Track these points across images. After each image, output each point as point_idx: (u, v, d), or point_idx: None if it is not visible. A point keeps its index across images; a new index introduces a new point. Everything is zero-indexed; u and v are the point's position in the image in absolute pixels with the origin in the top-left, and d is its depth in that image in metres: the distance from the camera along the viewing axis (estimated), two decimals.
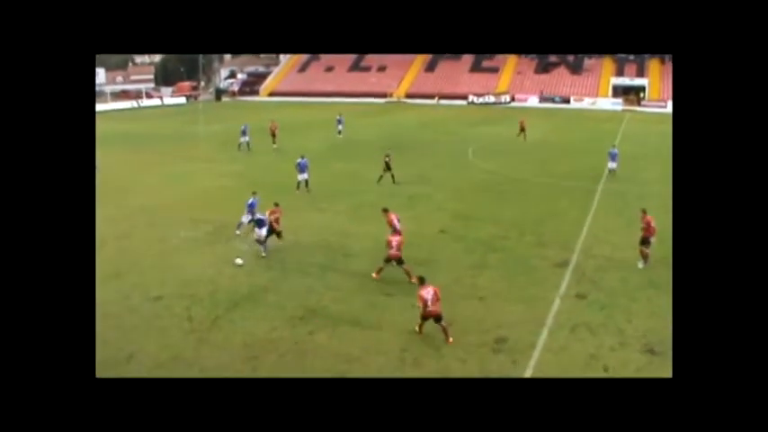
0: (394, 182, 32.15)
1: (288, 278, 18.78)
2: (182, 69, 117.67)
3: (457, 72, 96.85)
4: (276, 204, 21.59)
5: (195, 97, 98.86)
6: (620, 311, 16.01)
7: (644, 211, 19.72)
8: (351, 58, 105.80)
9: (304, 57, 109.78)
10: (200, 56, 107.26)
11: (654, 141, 47.17)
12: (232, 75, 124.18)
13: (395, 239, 18.48)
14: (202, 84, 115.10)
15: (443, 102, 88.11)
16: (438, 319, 14.59)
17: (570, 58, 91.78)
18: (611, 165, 34.52)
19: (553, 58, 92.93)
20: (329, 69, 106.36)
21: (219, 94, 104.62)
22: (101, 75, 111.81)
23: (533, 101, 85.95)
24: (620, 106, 79.56)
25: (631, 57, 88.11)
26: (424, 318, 14.67)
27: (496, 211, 26.80)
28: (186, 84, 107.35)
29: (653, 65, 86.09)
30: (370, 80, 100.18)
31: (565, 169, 36.22)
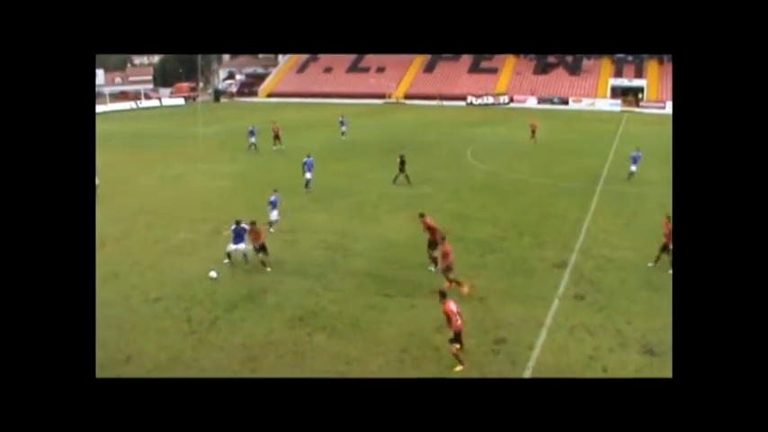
0: (408, 182, 32.18)
1: (287, 279, 18.77)
2: (180, 70, 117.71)
3: (456, 73, 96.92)
4: (253, 223, 19.64)
5: (194, 98, 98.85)
6: (619, 312, 16.01)
7: (668, 218, 18.57)
8: (349, 58, 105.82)
9: (302, 57, 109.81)
10: (199, 57, 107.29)
11: (652, 142, 47.16)
12: (231, 76, 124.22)
13: (449, 247, 17.51)
14: (201, 85, 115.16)
15: (446, 103, 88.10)
16: (459, 339, 13.34)
17: (569, 58, 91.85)
18: (633, 168, 33.20)
19: (552, 59, 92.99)
20: (328, 70, 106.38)
21: (218, 95, 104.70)
22: (99, 76, 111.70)
23: (532, 102, 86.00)
24: (619, 107, 79.65)
25: (630, 57, 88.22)
26: (460, 333, 13.21)
27: (495, 211, 26.82)
28: (185, 85, 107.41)
29: (651, 66, 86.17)
30: (369, 81, 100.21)
31: (564, 170, 36.24)
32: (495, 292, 17.58)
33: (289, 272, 19.42)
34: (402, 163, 32.62)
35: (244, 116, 71.61)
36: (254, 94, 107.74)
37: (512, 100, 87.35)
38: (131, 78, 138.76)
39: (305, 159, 31.17)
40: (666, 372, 12.54)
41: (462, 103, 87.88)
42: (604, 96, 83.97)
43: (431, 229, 19.26)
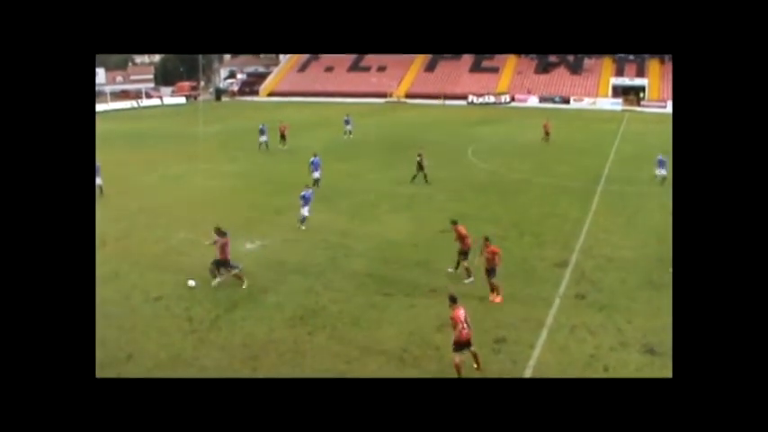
0: (426, 181, 32.16)
1: (287, 278, 18.77)
2: (181, 69, 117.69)
3: (457, 72, 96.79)
4: (218, 231, 18.17)
5: (195, 97, 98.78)
6: (620, 311, 16.01)
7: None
8: (350, 57, 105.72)
9: (304, 57, 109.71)
10: (200, 56, 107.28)
11: (653, 141, 47.14)
12: (232, 75, 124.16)
13: (496, 249, 16.86)
14: (202, 84, 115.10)
15: (449, 102, 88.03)
16: (469, 343, 12.98)
17: (570, 58, 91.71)
18: (661, 172, 31.22)
19: (553, 58, 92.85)
20: (329, 69, 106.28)
21: (219, 94, 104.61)
22: (101, 75, 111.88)
23: (533, 101, 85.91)
24: (620, 106, 79.52)
25: (631, 57, 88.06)
26: (461, 344, 12.81)
27: (496, 210, 26.81)
28: (186, 84, 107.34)
29: (653, 65, 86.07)
30: (370, 80, 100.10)
31: (564, 169, 36.21)
32: None
33: (289, 271, 19.42)
34: (420, 162, 32.56)
35: (245, 115, 71.64)
36: (256, 93, 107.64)
37: (513, 99, 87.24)
38: (132, 77, 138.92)
39: (312, 159, 31.17)
40: (667, 371, 12.53)
41: (463, 103, 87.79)
42: (606, 95, 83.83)
43: (462, 238, 18.54)
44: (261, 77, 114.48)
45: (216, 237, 18.03)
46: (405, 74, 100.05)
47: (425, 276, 18.76)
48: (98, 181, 28.70)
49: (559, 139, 46.42)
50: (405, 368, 13.44)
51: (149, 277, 19.05)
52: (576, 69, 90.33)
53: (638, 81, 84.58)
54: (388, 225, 24.54)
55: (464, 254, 18.52)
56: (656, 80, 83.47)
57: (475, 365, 13.18)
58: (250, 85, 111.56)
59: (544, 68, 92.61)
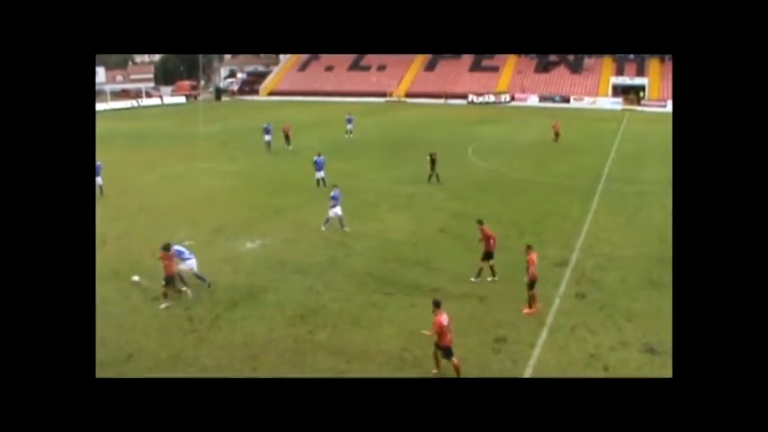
0: (438, 181, 32.14)
1: (287, 277, 18.78)
2: (181, 68, 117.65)
3: (457, 71, 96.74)
4: (164, 247, 17.38)
5: (195, 96, 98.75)
6: (620, 311, 16.01)
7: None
8: (350, 57, 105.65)
9: (304, 56, 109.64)
10: (200, 55, 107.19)
11: (653, 141, 47.15)
12: (232, 74, 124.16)
13: (535, 258, 16.24)
14: (202, 83, 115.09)
15: (451, 101, 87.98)
16: (450, 352, 12.93)
17: (570, 57, 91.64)
18: None
19: (553, 58, 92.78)
20: (329, 69, 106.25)
21: (219, 93, 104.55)
22: (101, 74, 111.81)
23: (533, 100, 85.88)
24: (620, 106, 79.47)
25: (631, 56, 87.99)
26: (444, 349, 12.89)
27: (496, 210, 26.78)
28: (186, 83, 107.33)
29: (653, 64, 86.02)
30: (370, 79, 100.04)
31: (565, 168, 36.20)
32: (495, 290, 17.56)
33: (289, 270, 19.42)
34: (433, 162, 32.51)
35: (245, 115, 71.64)
36: (256, 92, 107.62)
37: (513, 99, 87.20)
38: (132, 76, 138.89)
39: (315, 158, 31.14)
40: (667, 370, 12.53)
41: (463, 102, 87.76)
42: (606, 95, 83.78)
43: (487, 238, 18.35)
44: (261, 77, 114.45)
45: (161, 252, 17.15)
46: (405, 73, 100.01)
47: (425, 276, 18.76)
48: (98, 181, 28.70)
49: (561, 139, 46.35)
50: (405, 367, 13.45)
51: (149, 276, 19.01)
52: (576, 69, 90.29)
53: (638, 80, 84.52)
54: (388, 224, 24.54)
55: (489, 255, 18.33)
56: (657, 79, 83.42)
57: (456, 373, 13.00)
58: (250, 85, 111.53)
59: (544, 68, 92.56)
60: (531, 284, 16.02)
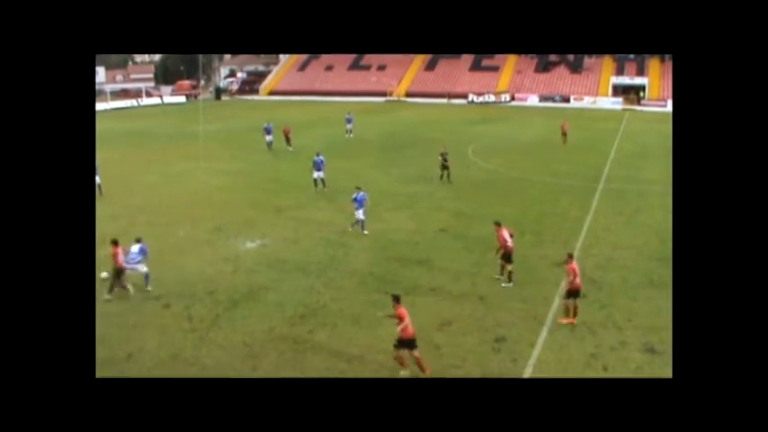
0: (449, 180, 32.15)
1: (288, 277, 18.78)
2: (182, 68, 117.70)
3: (457, 71, 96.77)
4: (114, 242, 17.52)
5: (195, 96, 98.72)
6: (620, 310, 16.01)
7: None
8: (350, 56, 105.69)
9: (304, 56, 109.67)
10: (200, 55, 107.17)
11: (654, 140, 47.17)
12: (232, 74, 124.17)
13: (576, 267, 15.45)
14: (202, 82, 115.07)
15: (455, 101, 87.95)
16: (414, 343, 13.01)
17: (570, 57, 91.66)
18: None
19: (553, 57, 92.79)
20: (329, 68, 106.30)
21: (219, 92, 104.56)
22: (101, 73, 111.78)
23: (533, 100, 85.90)
24: (620, 105, 79.47)
25: (631, 56, 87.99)
26: (404, 342, 12.95)
27: (496, 209, 26.72)
28: (186, 82, 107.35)
29: (653, 64, 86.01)
30: (370, 79, 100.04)
31: (565, 168, 36.19)
32: (495, 290, 17.57)
33: (290, 270, 19.42)
34: (444, 161, 32.45)
35: (245, 114, 71.62)
36: (256, 92, 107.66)
37: (513, 98, 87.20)
38: (132, 76, 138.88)
39: (315, 158, 31.07)
40: (667, 370, 12.53)
41: (464, 102, 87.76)
42: (606, 95, 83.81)
43: (503, 242, 18.10)
44: (261, 76, 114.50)
45: (111, 247, 17.38)
46: (405, 73, 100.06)
47: (426, 275, 18.76)
48: (96, 179, 28.66)
49: (559, 139, 46.33)
50: (405, 367, 13.43)
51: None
52: (576, 68, 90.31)
53: (638, 80, 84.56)
54: (388, 223, 24.54)
55: (505, 257, 18.05)
56: (657, 79, 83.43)
57: (420, 369, 12.98)
58: (250, 84, 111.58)
59: (544, 67, 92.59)
60: (571, 294, 15.29)
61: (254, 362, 13.77)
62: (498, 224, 18.62)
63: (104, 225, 23.99)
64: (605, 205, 27.37)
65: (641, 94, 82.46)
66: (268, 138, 43.94)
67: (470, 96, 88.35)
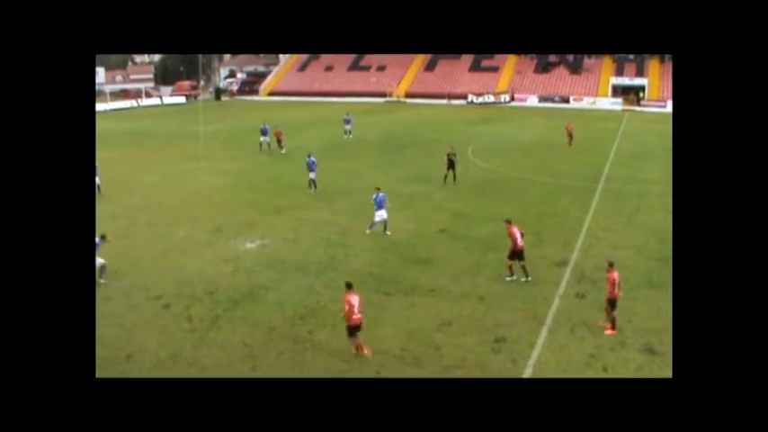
0: (455, 181, 32.12)
1: (287, 277, 18.77)
2: (181, 69, 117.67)
3: (457, 71, 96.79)
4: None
5: (195, 96, 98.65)
6: (620, 311, 15.93)
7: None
8: (350, 57, 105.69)
9: (304, 56, 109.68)
10: (200, 55, 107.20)
11: (653, 141, 47.18)
12: (232, 74, 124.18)
13: (617, 277, 14.93)
14: (202, 83, 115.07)
15: (455, 102, 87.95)
16: (359, 328, 13.84)
17: (570, 57, 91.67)
18: None
19: (553, 58, 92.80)
20: (329, 69, 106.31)
21: (219, 93, 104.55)
22: (100, 74, 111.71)
23: (533, 100, 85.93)
24: (620, 106, 79.48)
25: (631, 56, 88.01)
26: (354, 327, 13.79)
27: (496, 210, 26.74)
28: (186, 83, 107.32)
29: (652, 65, 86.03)
30: (370, 79, 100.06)
31: (565, 168, 36.19)
32: (495, 290, 17.57)
33: (289, 270, 19.42)
34: (451, 162, 32.33)
35: (245, 115, 71.61)
36: (256, 92, 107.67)
37: (513, 99, 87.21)
38: (132, 77, 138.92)
39: (307, 159, 31.07)
40: (667, 370, 12.53)
41: (463, 102, 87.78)
42: (605, 95, 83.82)
43: (512, 238, 18.12)
44: (261, 77, 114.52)
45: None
46: (404, 73, 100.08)
47: (425, 276, 18.76)
48: (96, 180, 28.62)
49: (559, 139, 46.34)
50: (404, 367, 13.44)
51: (150, 275, 19.05)
52: (575, 69, 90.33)
53: (637, 81, 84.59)
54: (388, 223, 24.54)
55: (514, 254, 18.08)
56: (656, 80, 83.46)
57: (364, 351, 13.87)
58: (250, 85, 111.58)
59: (544, 68, 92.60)
60: (611, 304, 14.88)
61: (253, 362, 13.77)
62: (509, 222, 18.62)
63: (104, 225, 23.94)
64: (605, 205, 27.37)
65: (641, 94, 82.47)
66: (262, 139, 43.88)
67: (470, 97, 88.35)
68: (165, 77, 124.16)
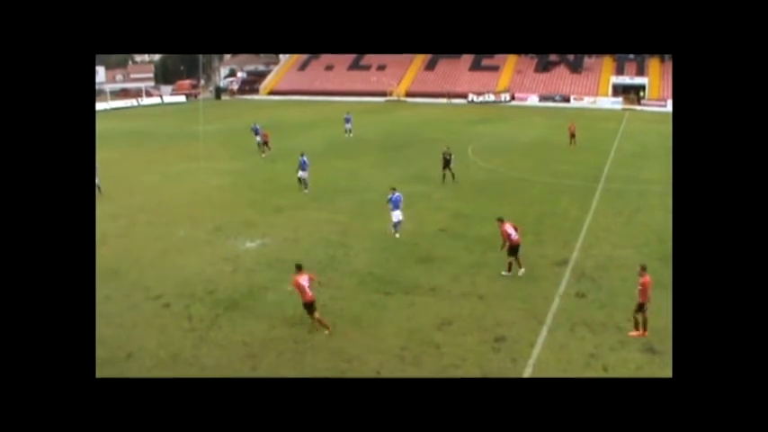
0: (453, 179, 32.16)
1: (287, 277, 18.69)
2: (182, 68, 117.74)
3: (457, 71, 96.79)
4: None
5: (195, 96, 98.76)
6: (620, 310, 15.99)
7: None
8: (351, 56, 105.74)
9: (304, 55, 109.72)
10: (200, 55, 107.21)
11: (654, 141, 47.16)
12: (232, 73, 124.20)
13: (649, 280, 14.66)
14: (202, 82, 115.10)
15: (455, 101, 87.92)
16: (313, 305, 15.00)
17: (570, 56, 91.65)
18: None
19: (553, 57, 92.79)
20: (329, 68, 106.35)
21: (219, 92, 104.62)
22: (101, 73, 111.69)
23: (533, 100, 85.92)
24: (620, 105, 79.44)
25: (631, 56, 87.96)
26: (309, 304, 14.97)
27: (496, 209, 26.65)
28: (186, 82, 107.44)
29: (653, 64, 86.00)
30: (370, 79, 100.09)
31: (565, 168, 36.18)
32: (495, 290, 17.56)
33: (289, 269, 19.33)
34: (446, 160, 32.37)
35: (245, 114, 71.61)
36: (256, 91, 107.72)
37: (513, 98, 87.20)
38: (132, 76, 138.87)
39: (300, 158, 31.04)
40: (667, 370, 12.54)
41: (463, 101, 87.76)
42: (606, 94, 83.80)
43: (506, 236, 18.41)
44: (261, 76, 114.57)
45: None
46: (405, 73, 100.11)
47: (425, 275, 18.76)
48: (96, 180, 28.54)
49: (559, 139, 46.33)
50: (404, 367, 13.45)
51: (150, 275, 19.07)
52: (576, 68, 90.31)
53: (638, 80, 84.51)
54: (388, 223, 24.50)
55: (511, 250, 18.51)
56: (657, 79, 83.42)
57: (324, 326, 15.09)
58: (250, 84, 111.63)
59: (544, 67, 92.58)
60: (641, 308, 14.67)
61: (253, 361, 13.77)
62: (501, 220, 18.89)
63: (104, 225, 24.03)
64: (605, 205, 27.37)
65: (641, 93, 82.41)
66: (258, 138, 43.66)
67: (470, 96, 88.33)
68: (165, 76, 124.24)
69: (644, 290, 14.54)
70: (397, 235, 22.77)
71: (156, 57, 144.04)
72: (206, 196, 30.07)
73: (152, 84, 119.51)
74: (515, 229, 18.57)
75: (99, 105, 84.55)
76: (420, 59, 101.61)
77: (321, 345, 14.49)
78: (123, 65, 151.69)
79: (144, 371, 13.35)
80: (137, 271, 19.44)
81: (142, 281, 18.51)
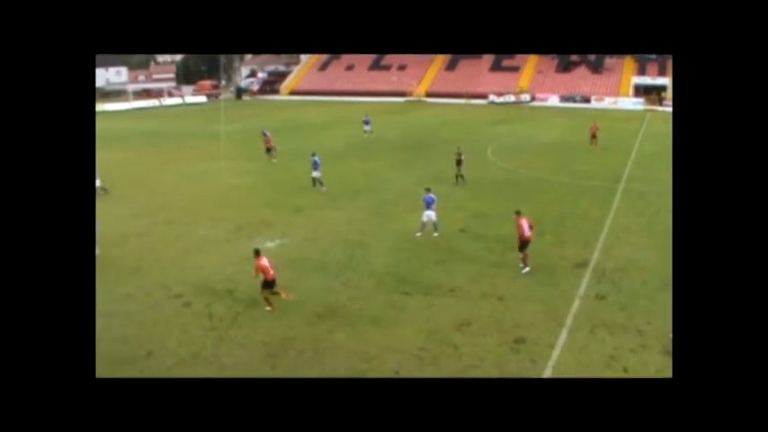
0: (462, 180, 32.16)
1: (307, 276, 18.84)
2: (203, 68, 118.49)
3: (477, 71, 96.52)
4: None
5: (216, 96, 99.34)
6: (641, 313, 15.88)
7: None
8: (371, 56, 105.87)
9: (324, 55, 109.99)
10: (221, 55, 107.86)
11: None
12: (252, 73, 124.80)
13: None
14: (223, 82, 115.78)
15: (474, 101, 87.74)
16: (274, 283, 16.34)
17: (591, 57, 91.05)
18: None
19: (574, 57, 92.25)
20: (349, 68, 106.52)
21: (240, 92, 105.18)
22: (123, 74, 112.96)
23: (554, 100, 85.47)
24: (642, 106, 78.79)
25: (653, 56, 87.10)
26: (269, 283, 16.26)
27: (516, 209, 26.66)
28: (207, 82, 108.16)
29: None
30: (391, 79, 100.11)
31: (585, 169, 35.98)
32: (515, 290, 17.51)
33: (309, 269, 19.49)
34: (459, 161, 32.39)
35: (266, 114, 71.97)
36: (276, 92, 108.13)
37: (533, 98, 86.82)
38: (155, 76, 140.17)
39: (312, 158, 31.19)
40: None
41: (484, 102, 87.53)
42: (627, 95, 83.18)
43: (520, 230, 18.95)
44: (281, 76, 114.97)
45: None
46: (425, 73, 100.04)
47: (445, 275, 18.74)
48: (97, 182, 28.65)
49: (580, 139, 46.07)
50: (423, 367, 13.45)
51: (170, 274, 19.22)
52: (597, 68, 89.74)
53: (659, 80, 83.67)
54: (407, 223, 24.50)
55: (520, 245, 18.97)
56: None
57: (283, 296, 16.62)
58: (271, 84, 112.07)
59: (565, 67, 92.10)
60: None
61: (273, 361, 13.84)
62: (519, 213, 19.28)
63: (126, 224, 24.30)
64: (626, 206, 27.18)
65: (663, 94, 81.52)
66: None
67: (491, 97, 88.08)
68: (186, 77, 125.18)
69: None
70: (418, 234, 22.73)
71: (178, 57, 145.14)
72: (226, 196, 30.26)
73: (173, 84, 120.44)
74: (530, 226, 18.86)
75: (121, 105, 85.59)
76: (440, 60, 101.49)
77: (340, 345, 14.53)
78: (146, 65, 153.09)
79: (164, 369, 13.46)
80: (158, 270, 19.61)
81: (163, 279, 18.66)
